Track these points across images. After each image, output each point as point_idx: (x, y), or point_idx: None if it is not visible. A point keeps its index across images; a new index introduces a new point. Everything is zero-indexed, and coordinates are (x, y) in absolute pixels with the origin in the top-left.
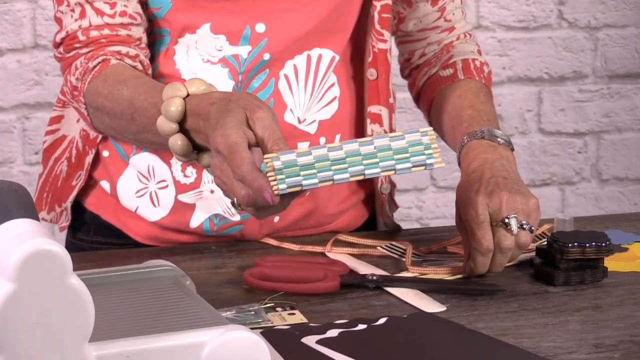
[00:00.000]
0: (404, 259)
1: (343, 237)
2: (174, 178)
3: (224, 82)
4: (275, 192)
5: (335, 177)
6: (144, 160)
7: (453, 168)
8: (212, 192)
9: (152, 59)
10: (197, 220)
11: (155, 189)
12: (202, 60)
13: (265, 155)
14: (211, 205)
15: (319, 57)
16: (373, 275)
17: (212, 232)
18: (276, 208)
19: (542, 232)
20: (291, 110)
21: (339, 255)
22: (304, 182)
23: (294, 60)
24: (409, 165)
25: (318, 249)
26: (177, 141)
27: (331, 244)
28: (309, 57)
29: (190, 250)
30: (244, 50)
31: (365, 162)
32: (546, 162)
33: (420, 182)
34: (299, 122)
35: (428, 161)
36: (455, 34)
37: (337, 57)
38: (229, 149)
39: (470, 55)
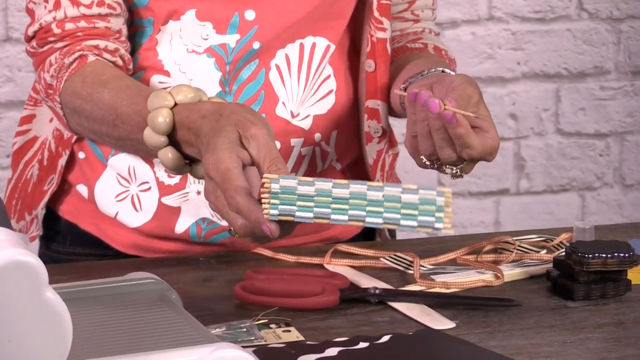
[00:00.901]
0: (409, 271)
1: (343, 248)
2: (157, 179)
3: (210, 74)
4: (265, 215)
5: (333, 216)
6: (124, 161)
7: None
8: (198, 193)
9: (133, 51)
10: (183, 225)
11: (136, 192)
12: (186, 50)
13: (265, 175)
14: (198, 208)
15: (313, 46)
16: (375, 288)
17: (199, 238)
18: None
19: (560, 242)
20: (283, 103)
21: (339, 267)
22: (297, 214)
23: (286, 50)
24: (414, 223)
25: (316, 260)
26: (167, 154)
27: (330, 255)
28: (301, 46)
29: (176, 262)
30: (231, 39)
31: (369, 208)
32: (565, 166)
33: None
34: (293, 116)
35: (436, 225)
36: (421, 26)
37: (333, 47)
38: (222, 176)
39: (441, 45)
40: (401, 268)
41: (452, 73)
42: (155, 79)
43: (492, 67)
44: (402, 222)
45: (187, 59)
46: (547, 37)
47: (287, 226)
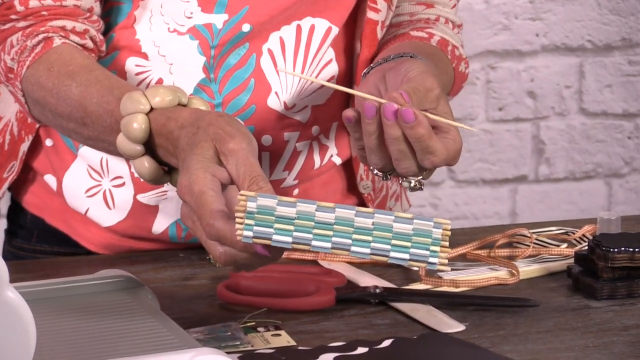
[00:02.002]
0: (414, 268)
1: None
2: (132, 174)
3: (192, 58)
4: (238, 237)
5: (314, 243)
6: (96, 152)
7: (475, 157)
8: None
9: (108, 30)
10: (160, 225)
11: (109, 187)
12: (167, 29)
13: (241, 192)
14: (178, 207)
15: (312, 29)
16: (376, 287)
17: (179, 239)
18: (262, 261)
19: (583, 235)
20: (276, 93)
21: (335, 263)
22: (274, 237)
23: (281, 32)
24: (406, 256)
25: (308, 256)
26: (144, 164)
27: None
28: (299, 29)
29: (152, 258)
30: (218, 20)
31: (355, 236)
32: (589, 150)
33: (435, 176)
34: (287, 108)
35: (431, 259)
36: (434, 13)
37: (336, 30)
38: (196, 200)
39: (452, 39)
40: (405, 264)
41: (419, 58)
42: (131, 61)
43: (508, 40)
44: (392, 254)
45: (167, 40)
46: (569, 6)
47: (274, 253)
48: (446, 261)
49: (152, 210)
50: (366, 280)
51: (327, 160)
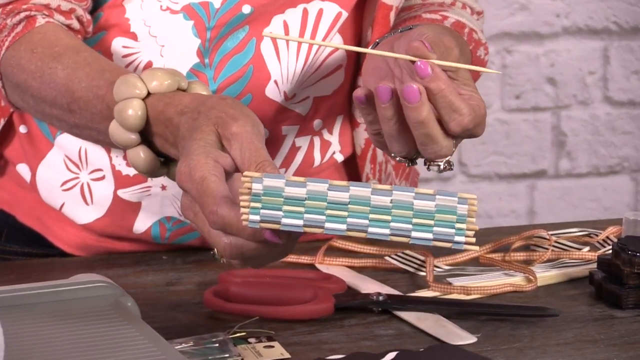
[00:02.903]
0: (421, 273)
1: (339, 244)
2: (112, 167)
3: (186, 40)
4: (243, 222)
5: (328, 225)
6: (74, 140)
7: (489, 150)
8: (163, 187)
9: (97, 8)
10: (143, 223)
11: (87, 181)
12: (159, 7)
13: (245, 173)
14: (162, 205)
15: (320, 13)
16: (379, 294)
17: (163, 240)
18: (273, 254)
19: (607, 237)
20: (276, 82)
21: (334, 267)
22: (283, 221)
23: (285, 16)
24: (429, 236)
25: (305, 259)
26: (139, 154)
27: (323, 252)
28: (305, 12)
29: (133, 261)
30: None
31: (372, 216)
32: (614, 143)
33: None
34: (287, 98)
35: (457, 238)
36: None
37: (345, 14)
38: (197, 187)
39: (469, 23)
40: (411, 269)
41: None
42: (119, 42)
43: (526, 21)
44: (414, 234)
45: (159, 19)
46: None
47: (286, 242)
48: (474, 240)
49: (134, 208)
50: (368, 286)
51: (328, 157)
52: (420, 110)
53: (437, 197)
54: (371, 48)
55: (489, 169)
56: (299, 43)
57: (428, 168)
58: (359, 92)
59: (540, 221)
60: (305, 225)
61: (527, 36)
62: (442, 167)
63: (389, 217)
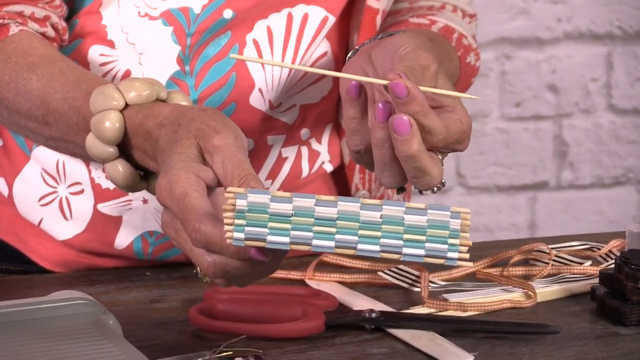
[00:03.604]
0: (415, 289)
1: (330, 259)
2: (92, 180)
3: (166, 47)
4: (227, 240)
5: (315, 242)
6: (52, 153)
7: (488, 161)
8: (145, 201)
9: (72, 15)
10: (124, 239)
11: (66, 195)
12: (137, 13)
13: (229, 189)
14: (144, 219)
15: (305, 17)
16: (371, 311)
17: (146, 256)
18: (258, 272)
19: (609, 251)
20: (260, 90)
21: (325, 283)
22: (269, 238)
23: (268, 21)
24: (421, 252)
25: (295, 275)
26: (117, 168)
27: (313, 268)
28: (290, 17)
29: (115, 277)
30: (196, 3)
31: (362, 232)
32: (619, 153)
33: None
34: (272, 107)
35: (449, 254)
36: (440, 0)
37: (332, 19)
38: (178, 204)
39: (459, 27)
40: (405, 285)
41: (401, 31)
42: (95, 50)
43: (526, 26)
44: (405, 251)
45: (137, 26)
46: None
47: (271, 261)
48: (467, 255)
49: (115, 222)
50: (360, 303)
51: (317, 167)
52: (411, 142)
53: (429, 211)
54: (351, 54)
55: (488, 181)
56: (284, 48)
57: (421, 192)
58: (353, 86)
59: (542, 235)
60: (291, 243)
61: (527, 41)
62: (434, 189)
63: (379, 233)
